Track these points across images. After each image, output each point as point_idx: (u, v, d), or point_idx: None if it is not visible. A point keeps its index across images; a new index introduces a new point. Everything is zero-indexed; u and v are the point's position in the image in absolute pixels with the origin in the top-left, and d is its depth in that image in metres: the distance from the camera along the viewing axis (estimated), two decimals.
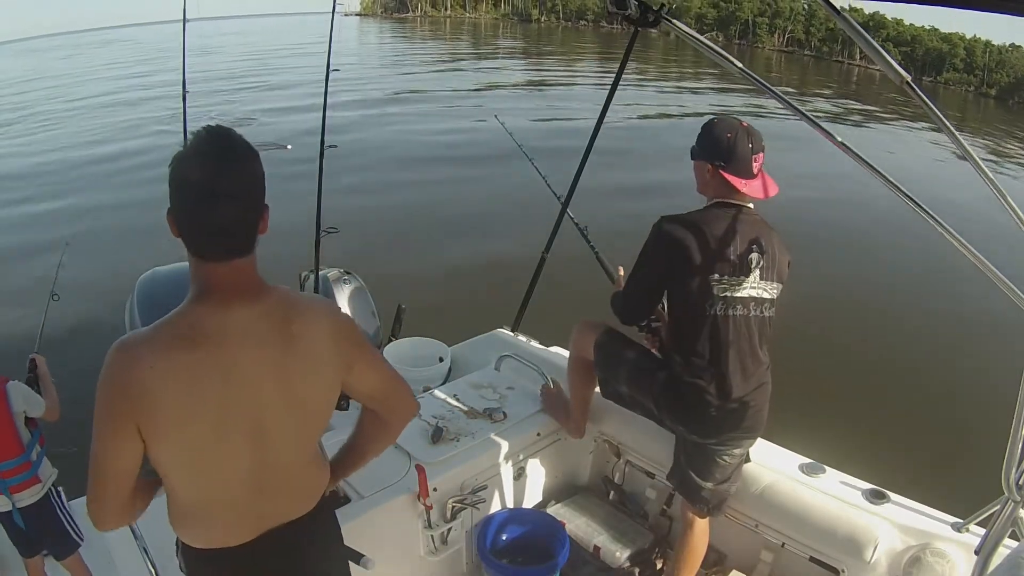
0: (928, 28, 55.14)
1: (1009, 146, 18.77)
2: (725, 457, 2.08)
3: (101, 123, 14.92)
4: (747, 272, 1.95)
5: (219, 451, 1.17)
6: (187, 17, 3.74)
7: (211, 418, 1.14)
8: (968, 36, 51.10)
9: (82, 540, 2.07)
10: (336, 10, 3.37)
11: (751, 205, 2.02)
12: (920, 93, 1.31)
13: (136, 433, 1.12)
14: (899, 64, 1.26)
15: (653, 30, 1.87)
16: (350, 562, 1.58)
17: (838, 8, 1.29)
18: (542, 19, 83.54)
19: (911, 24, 55.47)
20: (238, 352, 1.14)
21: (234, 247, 1.13)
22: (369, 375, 1.35)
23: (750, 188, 1.96)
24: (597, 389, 2.43)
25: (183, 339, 1.12)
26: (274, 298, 1.20)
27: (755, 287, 1.96)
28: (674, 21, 1.73)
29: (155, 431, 1.12)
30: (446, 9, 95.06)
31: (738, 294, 1.95)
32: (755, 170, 1.96)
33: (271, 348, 1.17)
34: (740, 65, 1.63)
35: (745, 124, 1.99)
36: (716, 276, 1.93)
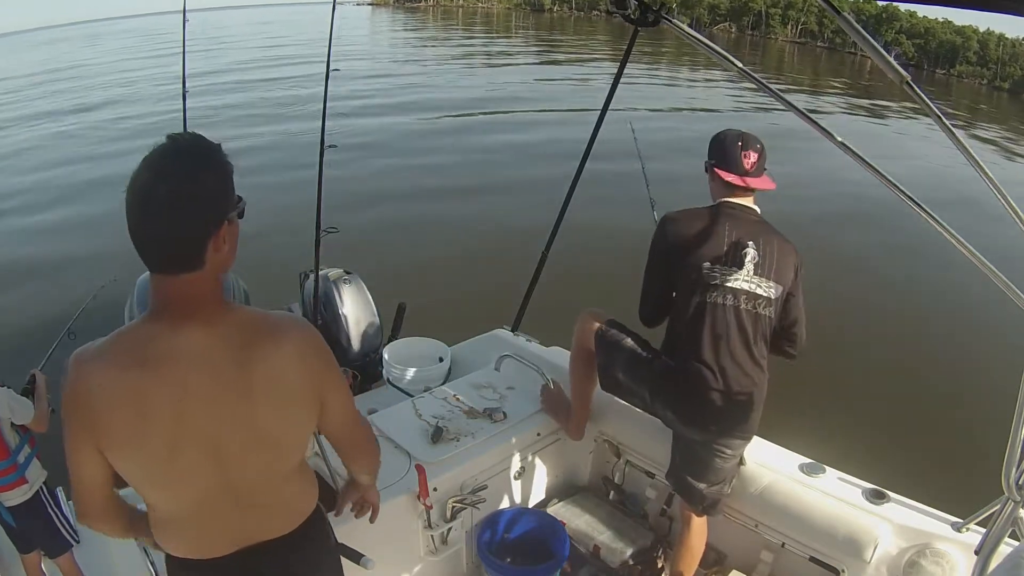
0: (942, 21, 55.26)
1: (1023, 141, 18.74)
2: (718, 458, 2.11)
3: (103, 122, 14.93)
4: (739, 265, 2.02)
5: (175, 469, 1.15)
6: (189, 7, 3.67)
7: (163, 438, 1.11)
8: (982, 29, 51.22)
9: (76, 541, 2.07)
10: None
11: (754, 207, 2.12)
12: (920, 93, 1.30)
13: (94, 447, 1.12)
14: (899, 64, 1.26)
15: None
16: (351, 562, 1.59)
17: (838, 8, 1.29)
18: (554, 9, 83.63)
19: (924, 17, 55.62)
20: (189, 374, 1.11)
21: (174, 260, 1.08)
22: (332, 409, 1.28)
23: (738, 180, 2.08)
24: (598, 388, 2.44)
25: (132, 358, 1.10)
26: (234, 319, 1.16)
27: (748, 281, 2.02)
28: (674, 20, 1.73)
29: (108, 447, 1.12)
30: None
31: (728, 284, 2.02)
32: (747, 166, 2.08)
33: (227, 372, 1.13)
34: (740, 64, 1.62)
35: (743, 131, 2.15)
36: (707, 265, 2.03)
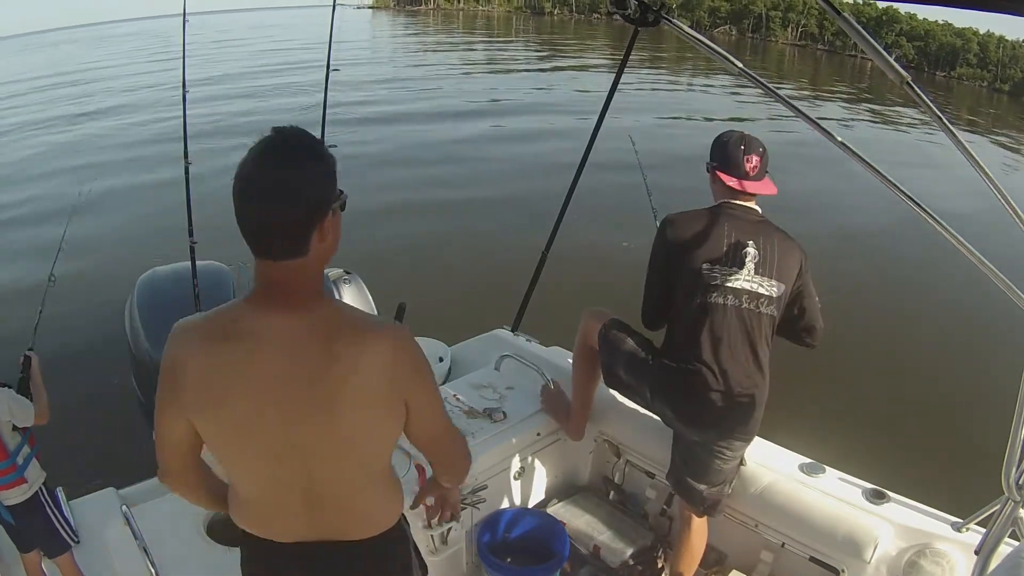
0: (942, 23, 55.25)
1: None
2: (718, 460, 2.11)
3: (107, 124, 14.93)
4: (740, 264, 2.02)
5: (245, 451, 1.18)
6: (190, 11, 3.69)
7: (238, 414, 1.15)
8: (982, 31, 51.22)
9: (76, 541, 2.06)
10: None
11: (755, 208, 2.11)
12: (920, 93, 1.31)
13: (180, 411, 1.17)
14: (899, 64, 1.26)
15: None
16: None
17: (838, 8, 1.29)
18: (555, 12, 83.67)
19: (924, 19, 55.66)
20: (273, 357, 1.12)
21: (280, 247, 1.10)
22: (420, 420, 1.26)
23: (739, 184, 2.07)
24: (599, 388, 2.44)
25: (223, 333, 1.14)
26: (327, 312, 1.17)
27: (749, 280, 2.02)
28: (673, 20, 1.73)
29: (192, 414, 1.17)
30: (459, 2, 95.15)
31: (729, 284, 2.01)
32: (748, 170, 2.07)
33: (309, 361, 1.13)
34: (740, 65, 1.63)
35: (745, 133, 2.13)
36: (707, 265, 2.02)
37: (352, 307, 1.23)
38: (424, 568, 1.49)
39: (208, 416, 1.16)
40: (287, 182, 1.08)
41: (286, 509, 1.23)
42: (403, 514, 1.39)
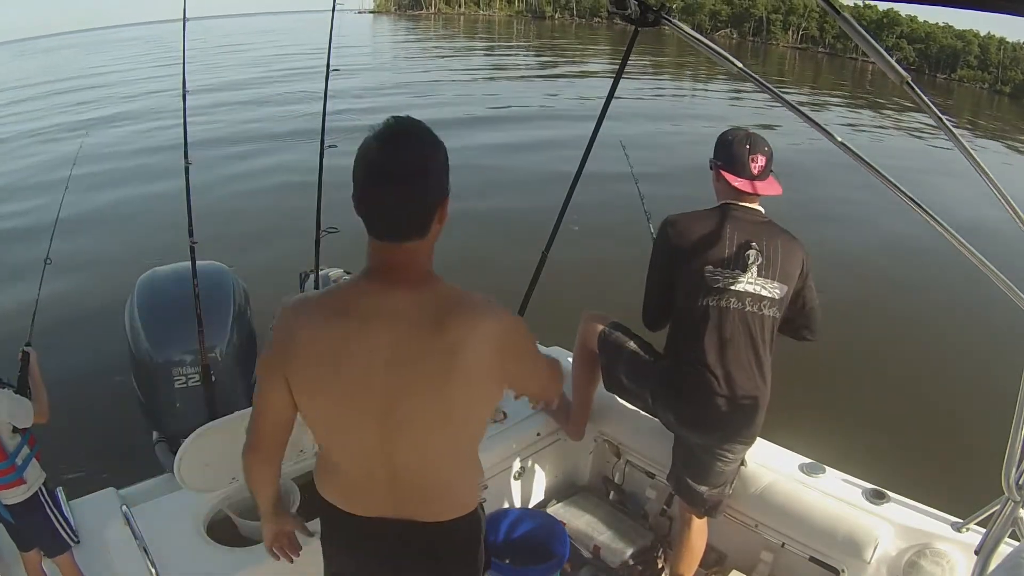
0: (942, 25, 55.17)
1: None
2: (719, 462, 2.10)
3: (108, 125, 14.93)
4: (743, 267, 1.99)
5: (345, 421, 1.23)
6: (190, 16, 3.72)
7: (342, 386, 1.20)
8: (982, 33, 51.12)
9: (76, 541, 2.06)
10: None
11: (759, 208, 2.08)
12: (920, 94, 1.30)
13: (284, 384, 1.23)
14: (900, 64, 1.26)
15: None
16: None
17: (838, 8, 1.29)
18: (555, 16, 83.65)
19: (924, 21, 55.62)
20: (382, 332, 1.17)
21: (405, 228, 1.16)
22: (527, 385, 1.41)
23: (743, 185, 2.03)
24: (599, 389, 2.43)
25: (335, 309, 1.20)
26: (434, 291, 1.22)
27: (752, 283, 2.00)
28: (674, 21, 1.73)
29: (296, 386, 1.23)
30: (460, 6, 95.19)
31: (732, 287, 1.99)
32: (754, 170, 2.03)
33: (417, 337, 1.17)
34: (740, 65, 1.62)
35: (750, 132, 2.09)
36: (710, 268, 2.00)
37: (456, 286, 1.27)
38: (488, 561, 1.54)
39: (316, 386, 1.21)
40: (416, 166, 1.13)
41: (373, 482, 1.27)
42: (481, 505, 1.45)
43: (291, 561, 1.56)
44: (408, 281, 1.19)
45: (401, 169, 1.12)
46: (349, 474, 1.30)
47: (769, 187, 2.06)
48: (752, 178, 2.03)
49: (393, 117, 1.17)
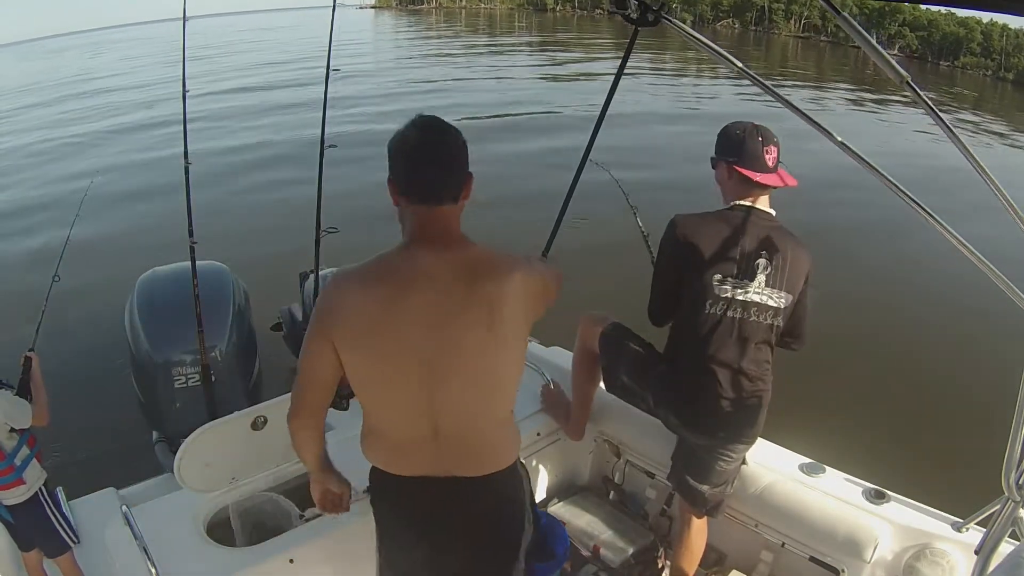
0: (944, 12, 54.75)
1: None
2: (721, 462, 2.10)
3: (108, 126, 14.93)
4: (751, 276, 1.96)
5: (390, 380, 1.35)
6: (190, 14, 3.71)
7: (386, 345, 1.33)
8: (985, 20, 50.82)
9: (76, 541, 2.07)
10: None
11: (770, 211, 2.03)
12: (920, 93, 1.30)
13: (331, 347, 1.35)
14: (898, 63, 1.26)
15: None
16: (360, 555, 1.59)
17: (837, 7, 1.29)
18: (557, 8, 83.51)
19: (927, 9, 55.16)
20: (422, 290, 1.32)
21: (446, 192, 1.37)
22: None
23: (764, 179, 1.97)
24: (599, 389, 2.43)
25: (378, 275, 1.36)
26: (466, 252, 1.38)
27: (759, 293, 1.97)
28: (674, 20, 1.73)
29: (342, 347, 1.35)
30: (461, 0, 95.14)
31: (739, 297, 1.96)
32: (769, 163, 1.98)
33: (453, 296, 1.32)
34: (740, 64, 1.62)
35: (756, 124, 2.04)
36: (718, 276, 1.96)
37: (487, 246, 1.43)
38: (538, 519, 1.67)
39: (361, 345, 1.34)
40: (450, 145, 1.38)
41: (416, 440, 1.38)
42: (521, 461, 1.55)
43: (337, 514, 1.68)
44: (443, 242, 1.36)
45: (439, 150, 1.37)
46: (392, 435, 1.42)
47: (784, 178, 2.00)
48: (767, 170, 1.97)
49: (418, 115, 1.38)
